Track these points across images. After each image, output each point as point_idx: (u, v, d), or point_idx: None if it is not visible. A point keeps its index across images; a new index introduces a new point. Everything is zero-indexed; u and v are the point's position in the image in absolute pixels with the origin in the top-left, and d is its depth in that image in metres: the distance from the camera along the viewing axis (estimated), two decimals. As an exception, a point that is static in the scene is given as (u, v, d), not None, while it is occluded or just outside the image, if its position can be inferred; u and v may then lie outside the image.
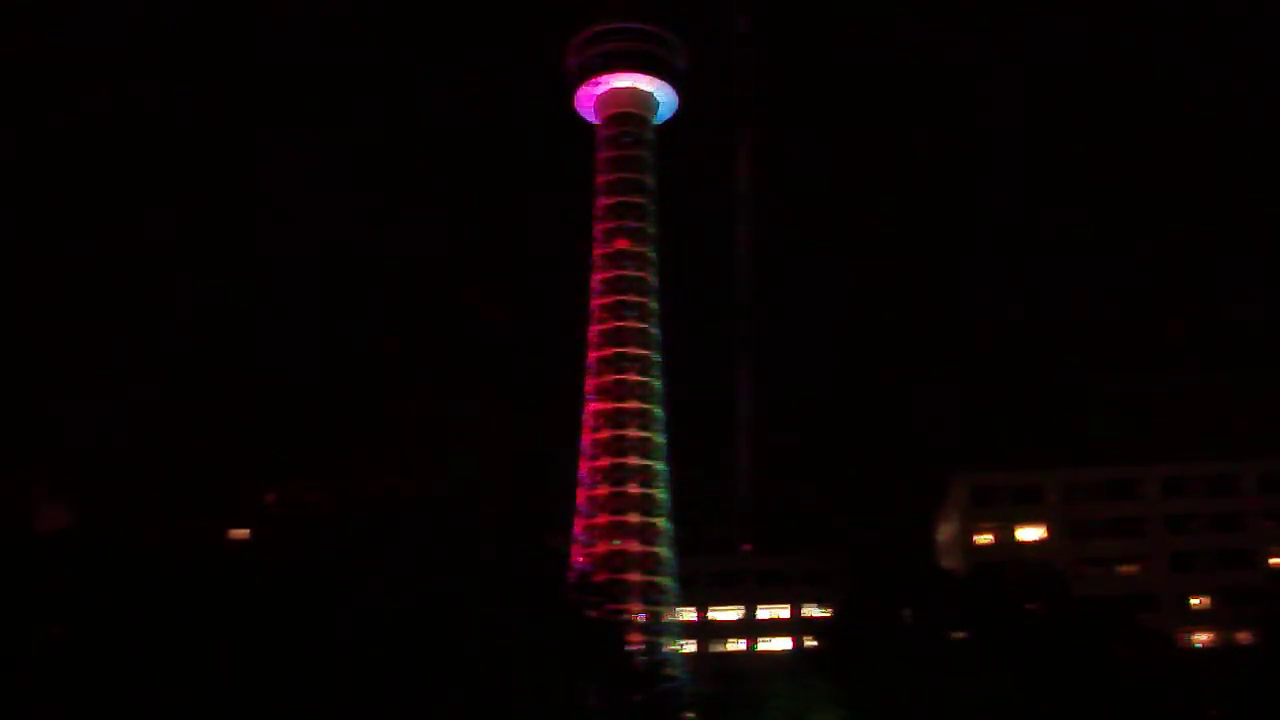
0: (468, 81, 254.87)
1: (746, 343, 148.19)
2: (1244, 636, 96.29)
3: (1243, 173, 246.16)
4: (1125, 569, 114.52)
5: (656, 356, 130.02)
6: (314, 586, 58.18)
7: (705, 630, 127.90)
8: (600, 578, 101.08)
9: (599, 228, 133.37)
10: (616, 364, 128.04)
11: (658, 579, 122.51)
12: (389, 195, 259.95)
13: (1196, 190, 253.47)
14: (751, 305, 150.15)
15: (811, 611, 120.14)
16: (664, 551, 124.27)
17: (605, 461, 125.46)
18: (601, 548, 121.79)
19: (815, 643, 79.05)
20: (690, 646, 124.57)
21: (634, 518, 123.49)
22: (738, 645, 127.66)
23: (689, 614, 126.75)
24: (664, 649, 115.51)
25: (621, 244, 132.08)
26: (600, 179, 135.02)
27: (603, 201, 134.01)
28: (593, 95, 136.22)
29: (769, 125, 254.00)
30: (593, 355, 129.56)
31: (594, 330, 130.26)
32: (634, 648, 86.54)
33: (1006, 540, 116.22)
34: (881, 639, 69.42)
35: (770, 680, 78.75)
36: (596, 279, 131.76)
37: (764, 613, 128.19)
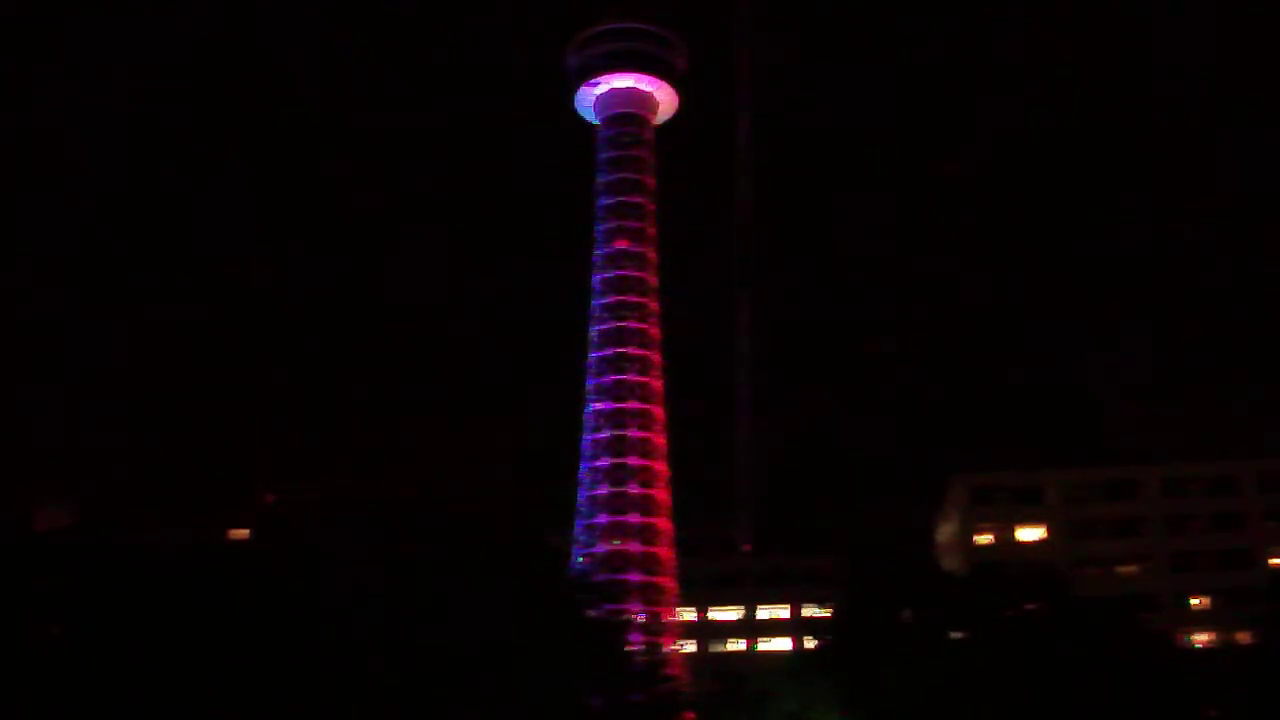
0: (468, 81, 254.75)
1: (746, 342, 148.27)
2: (1244, 636, 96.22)
3: (1243, 173, 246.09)
4: (1125, 569, 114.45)
5: (656, 357, 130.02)
6: (313, 586, 58.13)
7: (705, 630, 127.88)
8: (600, 578, 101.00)
9: (599, 228, 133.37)
10: (616, 364, 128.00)
11: (658, 579, 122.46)
12: (388, 195, 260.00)
13: (1198, 190, 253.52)
14: (751, 305, 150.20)
15: (811, 611, 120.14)
16: (664, 552, 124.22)
17: (605, 462, 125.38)
18: (601, 548, 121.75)
19: (815, 643, 78.89)
20: (690, 646, 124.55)
21: (634, 518, 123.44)
22: (738, 645, 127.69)
23: (689, 614, 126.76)
24: (664, 649, 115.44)
25: (621, 244, 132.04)
26: (600, 179, 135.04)
27: (603, 202, 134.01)
28: (593, 95, 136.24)
29: (769, 124, 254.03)
30: (593, 355, 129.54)
31: (594, 330, 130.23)
32: (634, 648, 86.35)
33: (1006, 540, 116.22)
34: (881, 639, 69.35)
35: (770, 680, 78.63)
36: (596, 279, 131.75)
37: (764, 613, 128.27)
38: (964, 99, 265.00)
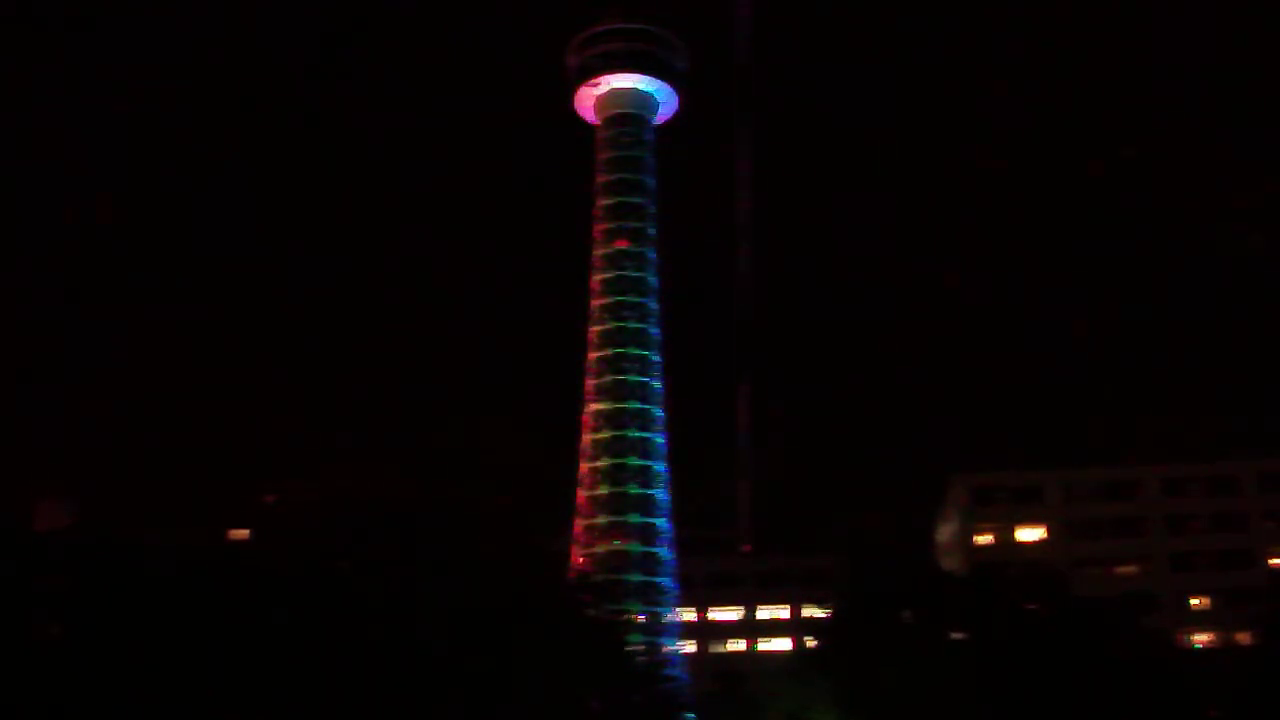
0: (468, 81, 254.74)
1: (746, 343, 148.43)
2: (1244, 636, 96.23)
3: (1243, 173, 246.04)
4: (1125, 569, 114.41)
5: (656, 357, 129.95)
6: (313, 587, 58.15)
7: (705, 630, 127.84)
8: (600, 578, 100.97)
9: (598, 228, 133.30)
10: (616, 364, 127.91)
11: (658, 579, 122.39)
12: (388, 196, 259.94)
13: (1197, 190, 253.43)
14: (751, 305, 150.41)
15: (811, 611, 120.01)
16: (664, 552, 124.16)
17: (605, 462, 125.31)
18: (601, 548, 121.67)
19: (815, 643, 78.92)
20: (690, 646, 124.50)
21: (634, 518, 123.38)
22: (738, 645, 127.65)
23: (689, 614, 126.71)
24: (664, 649, 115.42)
25: (621, 244, 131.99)
26: (600, 179, 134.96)
27: (602, 202, 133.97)
28: (593, 95, 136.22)
29: (769, 124, 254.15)
30: (593, 355, 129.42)
31: (594, 330, 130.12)
32: (634, 648, 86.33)
33: (1006, 540, 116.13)
34: (881, 639, 69.33)
35: (770, 680, 78.69)
36: (596, 279, 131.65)
37: (764, 613, 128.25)
38: (964, 99, 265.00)
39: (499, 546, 69.01)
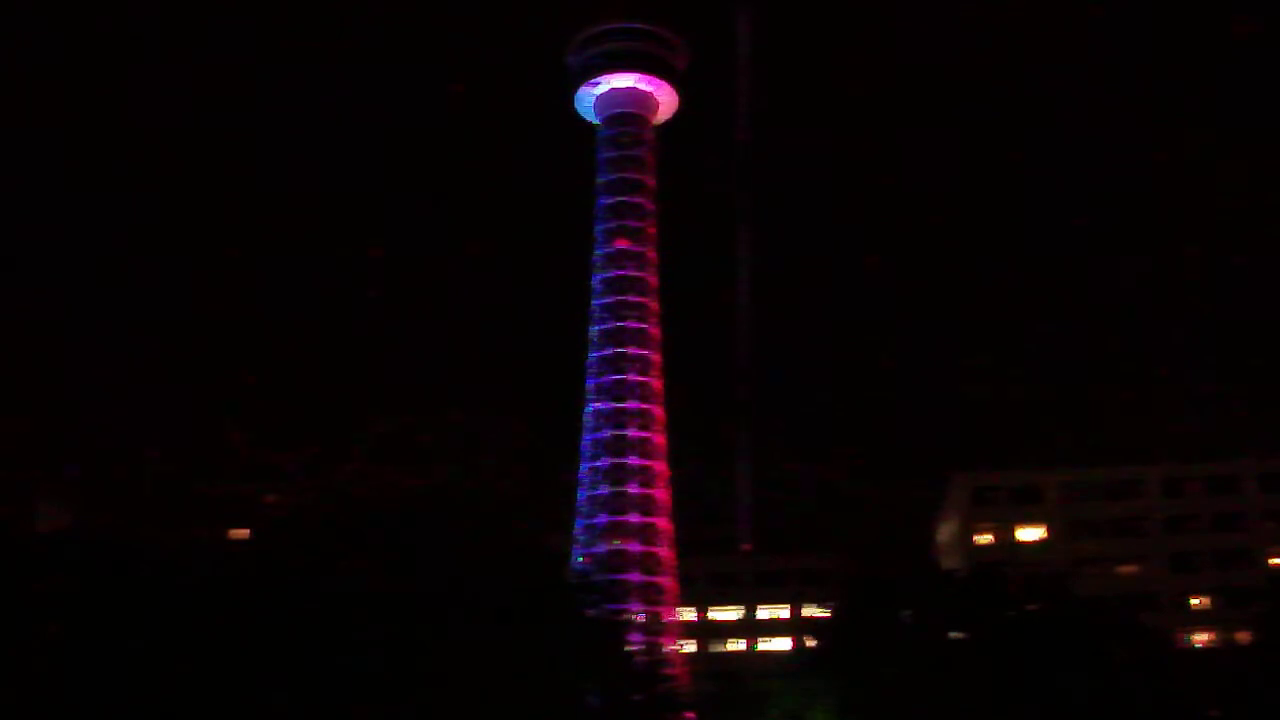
0: (468, 81, 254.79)
1: (746, 343, 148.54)
2: (1244, 636, 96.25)
3: (1244, 174, 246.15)
4: (1125, 569, 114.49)
5: (656, 356, 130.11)
6: (313, 587, 58.17)
7: (705, 630, 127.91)
8: (600, 578, 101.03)
9: (599, 228, 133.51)
10: (616, 364, 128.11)
11: (658, 579, 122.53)
12: (388, 195, 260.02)
13: (1199, 190, 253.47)
14: (751, 304, 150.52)
15: (811, 611, 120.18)
16: (664, 552, 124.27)
17: (605, 462, 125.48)
18: (601, 548, 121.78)
19: (815, 643, 78.98)
20: (690, 646, 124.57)
21: (634, 518, 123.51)
22: (738, 645, 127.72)
23: (689, 614, 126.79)
24: (664, 649, 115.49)
25: (621, 244, 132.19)
26: (600, 179, 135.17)
27: (603, 202, 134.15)
28: (593, 95, 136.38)
29: (769, 125, 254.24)
30: (593, 355, 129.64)
31: (594, 330, 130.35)
32: (634, 648, 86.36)
33: (1006, 540, 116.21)
34: (881, 639, 69.34)
35: (770, 680, 78.66)
36: (596, 279, 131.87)
37: (764, 613, 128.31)
38: (964, 99, 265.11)
39: (499, 546, 68.97)
